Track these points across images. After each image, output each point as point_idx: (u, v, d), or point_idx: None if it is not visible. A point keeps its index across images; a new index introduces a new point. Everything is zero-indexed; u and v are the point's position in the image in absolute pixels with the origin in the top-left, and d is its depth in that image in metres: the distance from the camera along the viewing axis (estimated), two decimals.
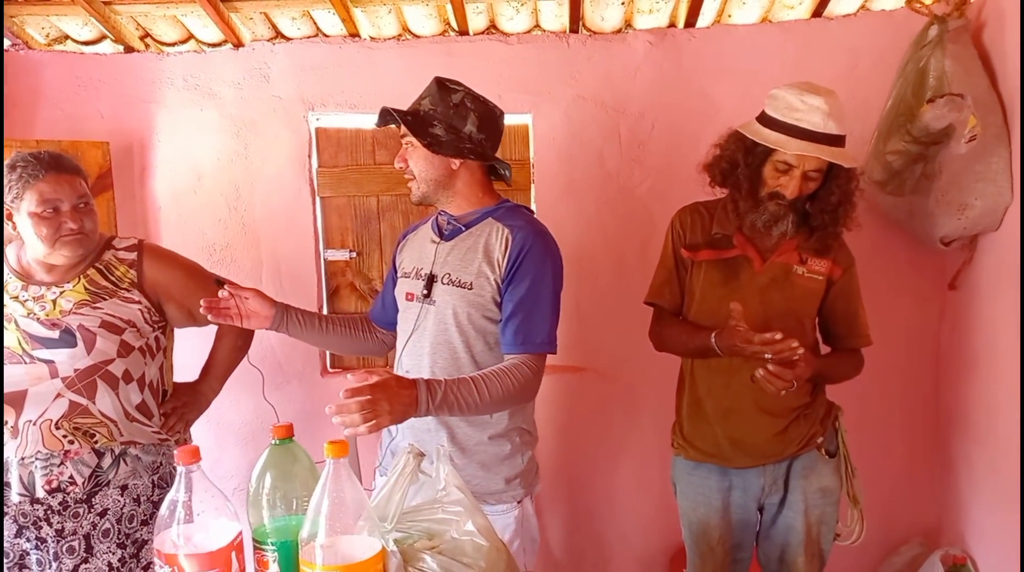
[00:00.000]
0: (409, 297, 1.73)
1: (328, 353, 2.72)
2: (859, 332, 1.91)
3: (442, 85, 1.66)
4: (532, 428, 1.76)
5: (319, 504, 1.05)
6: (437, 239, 1.72)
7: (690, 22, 2.49)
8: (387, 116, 1.66)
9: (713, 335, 1.74)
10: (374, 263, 2.70)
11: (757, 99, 1.91)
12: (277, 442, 1.17)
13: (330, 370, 2.73)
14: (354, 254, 2.68)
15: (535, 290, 1.59)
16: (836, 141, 1.69)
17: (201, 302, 1.70)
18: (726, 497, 1.91)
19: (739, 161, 1.78)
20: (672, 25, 2.55)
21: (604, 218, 2.58)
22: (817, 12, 2.47)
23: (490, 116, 1.68)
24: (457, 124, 1.64)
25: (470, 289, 1.62)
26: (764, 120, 1.76)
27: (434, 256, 1.69)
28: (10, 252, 1.84)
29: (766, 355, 1.63)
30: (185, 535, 1.08)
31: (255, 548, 1.14)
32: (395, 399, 1.38)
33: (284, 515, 1.15)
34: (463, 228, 1.68)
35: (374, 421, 1.34)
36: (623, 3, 2.44)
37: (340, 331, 1.90)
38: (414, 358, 1.69)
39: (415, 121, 1.64)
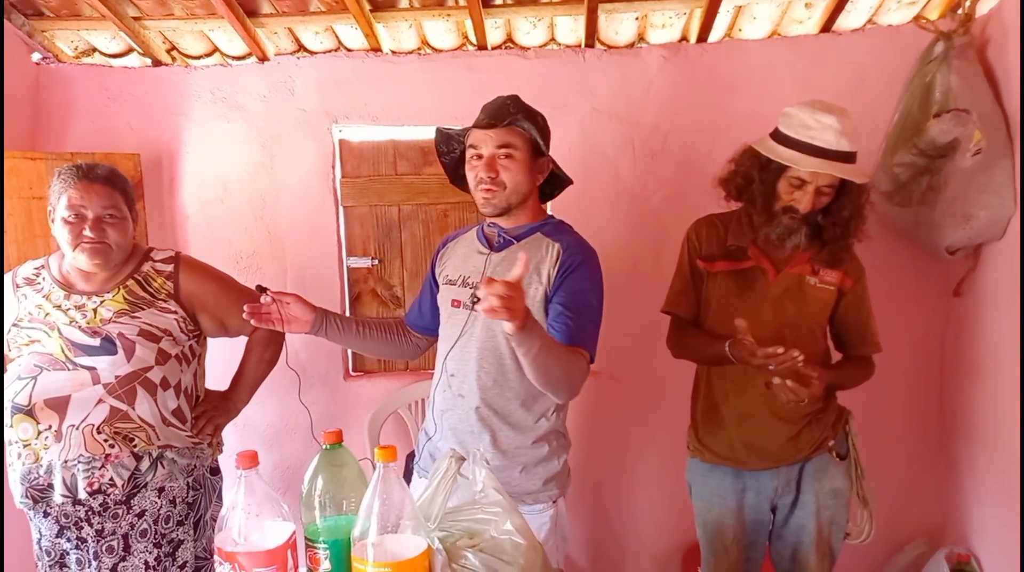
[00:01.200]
0: (456, 304, 1.77)
1: (351, 357, 2.78)
2: (870, 340, 1.96)
3: (526, 106, 1.72)
4: (566, 433, 1.82)
5: (370, 505, 1.11)
6: (486, 250, 1.77)
7: (702, 37, 2.55)
8: (499, 119, 1.66)
9: (727, 344, 1.80)
10: (395, 270, 2.76)
11: (767, 112, 1.97)
12: (328, 447, 1.23)
13: (352, 374, 2.79)
14: (375, 261, 2.74)
15: (583, 298, 1.66)
16: (848, 158, 1.74)
17: (244, 307, 1.73)
18: (740, 498, 1.96)
19: (754, 177, 1.83)
20: (684, 39, 2.61)
21: (618, 227, 2.63)
22: (826, 27, 2.53)
23: (549, 139, 1.78)
24: (546, 144, 1.73)
25: None
26: (778, 137, 1.81)
27: (484, 266, 1.74)
28: (53, 262, 1.90)
29: (770, 366, 1.69)
30: (244, 534, 1.15)
31: (307, 546, 1.20)
32: (522, 304, 1.41)
33: (334, 515, 1.21)
34: (513, 241, 1.74)
35: (507, 310, 1.34)
36: (636, 18, 2.51)
37: (376, 335, 1.94)
38: (459, 362, 1.74)
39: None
